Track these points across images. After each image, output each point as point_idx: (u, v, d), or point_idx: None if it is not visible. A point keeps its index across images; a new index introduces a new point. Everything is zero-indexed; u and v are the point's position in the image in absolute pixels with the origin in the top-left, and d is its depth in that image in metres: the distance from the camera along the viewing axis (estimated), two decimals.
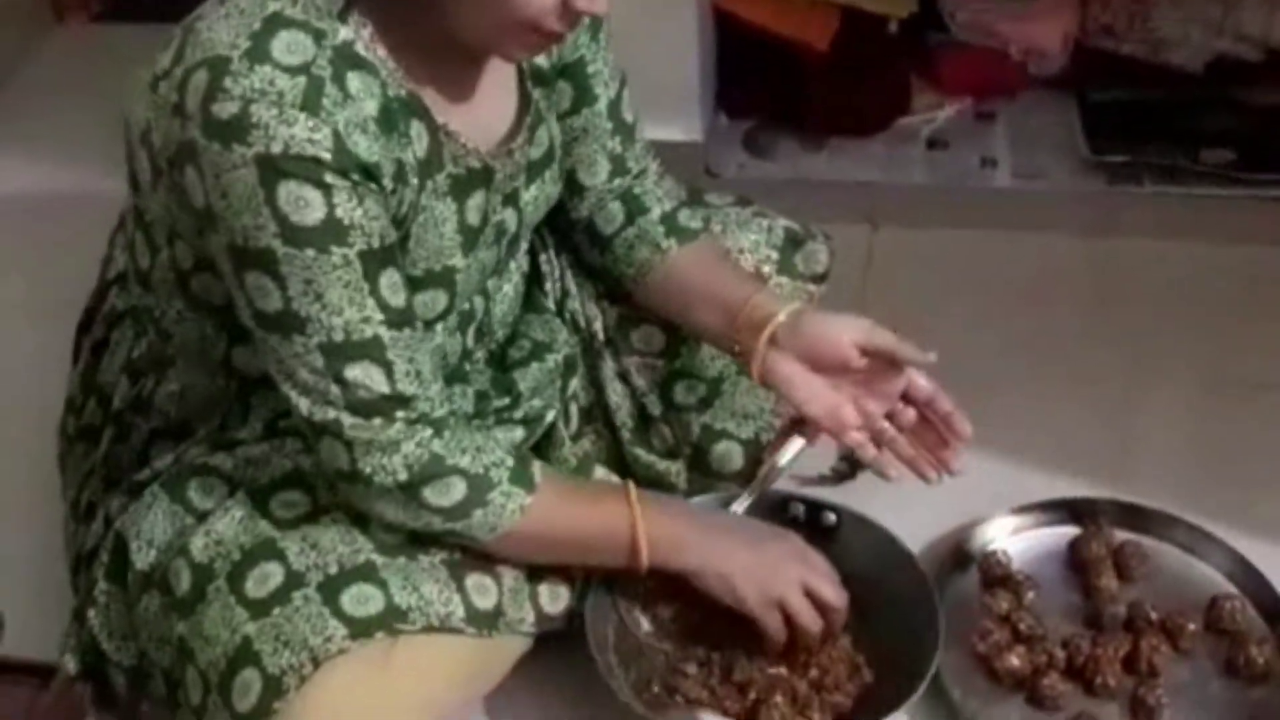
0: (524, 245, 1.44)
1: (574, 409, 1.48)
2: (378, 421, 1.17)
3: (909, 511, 1.49)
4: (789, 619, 1.32)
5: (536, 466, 1.27)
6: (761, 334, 1.33)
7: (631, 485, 1.32)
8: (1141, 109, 2.15)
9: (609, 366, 1.49)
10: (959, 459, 1.36)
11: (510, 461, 1.24)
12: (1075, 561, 1.53)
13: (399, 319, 1.17)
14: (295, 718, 1.18)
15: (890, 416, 1.35)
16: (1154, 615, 1.46)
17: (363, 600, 1.21)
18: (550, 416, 1.44)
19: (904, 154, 2.15)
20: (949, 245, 1.99)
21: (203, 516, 1.27)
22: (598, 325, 1.49)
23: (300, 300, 1.13)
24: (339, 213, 1.11)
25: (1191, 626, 1.44)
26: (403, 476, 1.19)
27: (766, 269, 1.48)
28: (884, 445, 1.35)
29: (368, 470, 1.18)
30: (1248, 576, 1.49)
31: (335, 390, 1.16)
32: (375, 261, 1.14)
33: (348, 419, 1.17)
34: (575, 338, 1.49)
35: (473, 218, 1.26)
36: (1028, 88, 2.23)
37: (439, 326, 1.31)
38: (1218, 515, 1.54)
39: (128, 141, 1.22)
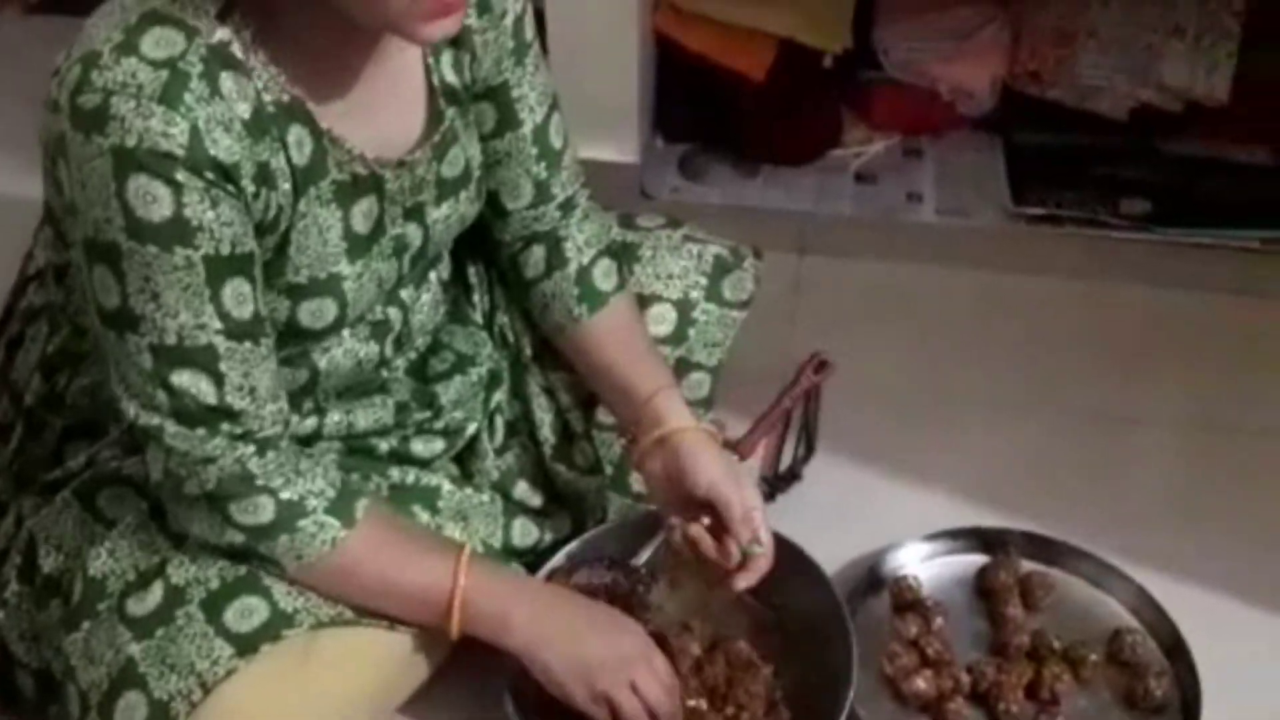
0: (443, 259, 1.43)
1: (499, 422, 1.48)
2: (200, 432, 1.14)
3: (825, 533, 1.51)
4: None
5: (362, 504, 1.23)
6: (650, 435, 1.35)
7: (470, 550, 1.27)
8: (1065, 155, 2.18)
9: (535, 381, 1.49)
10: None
11: (331, 493, 1.21)
12: (983, 589, 1.56)
13: (239, 330, 1.14)
14: None
15: None
16: (1057, 644, 1.48)
17: (246, 614, 1.20)
18: (472, 429, 1.44)
19: (833, 185, 2.17)
20: (874, 275, 2.02)
21: (111, 525, 1.26)
22: (525, 340, 1.49)
23: (137, 298, 1.10)
24: (187, 212, 1.08)
25: (1093, 657, 1.47)
26: (210, 487, 1.16)
27: (694, 294, 1.50)
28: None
29: (181, 474, 1.16)
30: (1149, 611, 1.52)
31: (161, 395, 1.13)
32: (221, 268, 1.11)
33: (170, 426, 1.14)
34: (502, 351, 1.49)
35: (360, 226, 1.23)
36: (956, 127, 2.26)
37: (345, 334, 1.30)
38: (1124, 550, 1.57)
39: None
